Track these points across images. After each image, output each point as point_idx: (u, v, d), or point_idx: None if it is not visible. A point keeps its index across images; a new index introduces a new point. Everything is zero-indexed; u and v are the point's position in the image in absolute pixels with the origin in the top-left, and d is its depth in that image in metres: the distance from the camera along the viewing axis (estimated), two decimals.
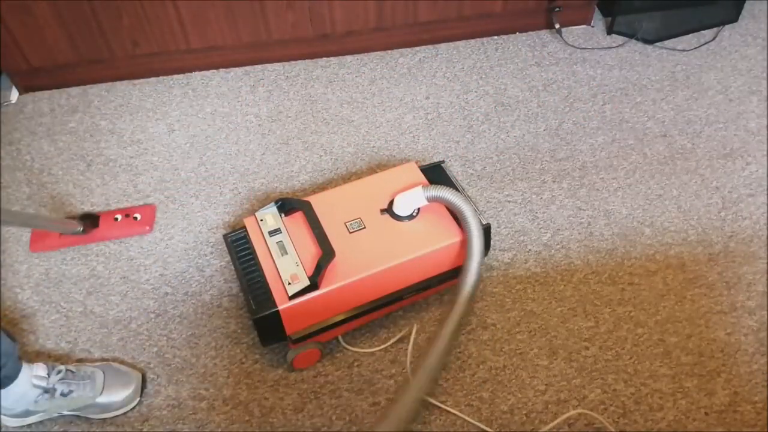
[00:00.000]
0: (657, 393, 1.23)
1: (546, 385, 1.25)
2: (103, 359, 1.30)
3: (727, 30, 2.00)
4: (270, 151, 1.69)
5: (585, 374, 1.26)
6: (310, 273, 1.18)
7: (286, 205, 1.30)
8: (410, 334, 1.31)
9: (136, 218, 1.51)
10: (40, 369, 1.15)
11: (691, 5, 1.99)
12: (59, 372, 1.16)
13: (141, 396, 1.25)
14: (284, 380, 1.27)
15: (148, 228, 1.51)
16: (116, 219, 1.50)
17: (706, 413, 1.21)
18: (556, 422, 1.19)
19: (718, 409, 1.21)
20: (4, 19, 1.67)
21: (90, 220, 1.49)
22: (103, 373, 1.22)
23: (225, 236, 1.30)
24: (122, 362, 1.29)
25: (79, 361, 1.29)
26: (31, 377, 1.13)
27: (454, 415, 1.21)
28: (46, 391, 1.14)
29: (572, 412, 1.21)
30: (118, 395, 1.21)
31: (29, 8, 1.66)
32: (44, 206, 1.58)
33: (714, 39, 1.97)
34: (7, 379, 1.10)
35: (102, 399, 1.20)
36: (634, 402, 1.22)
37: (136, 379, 1.24)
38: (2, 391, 1.10)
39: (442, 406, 1.22)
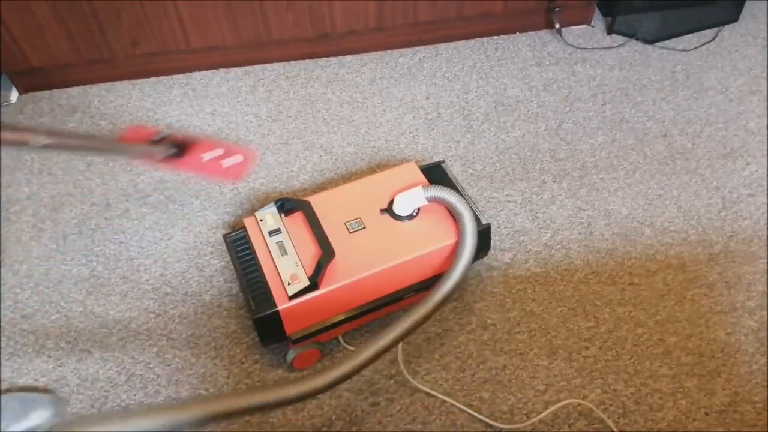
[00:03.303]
0: (657, 393, 1.23)
1: (546, 385, 1.25)
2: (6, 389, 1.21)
3: (727, 30, 2.00)
4: (270, 151, 1.69)
5: (585, 374, 1.26)
6: (310, 273, 1.18)
7: (286, 205, 1.30)
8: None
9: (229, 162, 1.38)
10: None
11: (691, 5, 1.99)
12: None
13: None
14: (284, 380, 1.27)
15: (236, 178, 1.38)
16: (203, 158, 1.36)
17: (706, 413, 1.21)
18: (548, 411, 1.20)
19: (718, 409, 1.21)
20: (4, 19, 1.67)
21: (180, 147, 1.37)
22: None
23: (225, 236, 1.30)
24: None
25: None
26: None
27: (454, 412, 1.21)
28: None
29: (564, 402, 1.21)
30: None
31: (29, 8, 1.66)
32: (44, 206, 1.58)
33: (714, 39, 1.96)
34: None
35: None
36: (634, 402, 1.22)
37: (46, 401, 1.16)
38: None
39: (448, 399, 1.22)
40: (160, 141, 1.36)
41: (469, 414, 1.21)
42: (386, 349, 1.12)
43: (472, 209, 1.25)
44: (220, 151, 1.39)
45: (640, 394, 1.23)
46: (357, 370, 1.08)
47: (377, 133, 1.73)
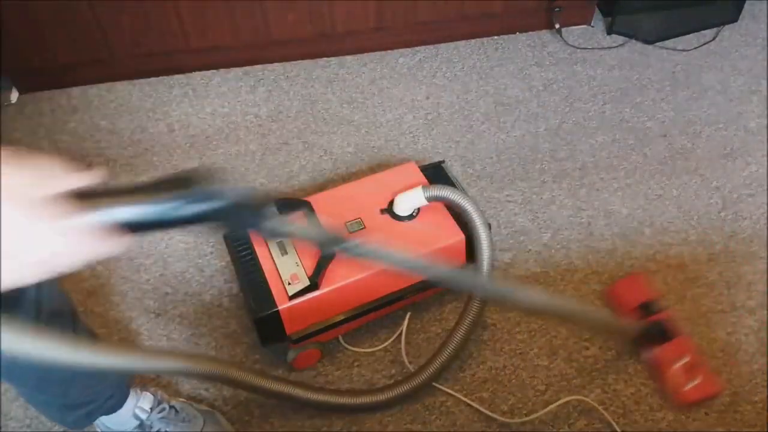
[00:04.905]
0: (657, 393, 1.23)
1: (546, 385, 1.25)
2: (210, 406, 1.23)
3: (727, 30, 2.00)
4: (270, 151, 1.69)
5: (585, 374, 1.26)
6: (310, 273, 1.18)
7: (286, 205, 1.30)
8: (404, 324, 1.31)
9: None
10: (145, 401, 1.11)
11: (691, 5, 1.99)
12: (162, 410, 1.12)
13: None
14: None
15: (689, 402, 1.21)
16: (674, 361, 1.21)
17: (706, 413, 1.21)
18: (550, 408, 1.20)
19: (718, 409, 1.21)
20: (4, 19, 1.67)
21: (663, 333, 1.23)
22: (204, 421, 1.16)
23: (225, 236, 1.30)
24: (227, 416, 1.22)
25: (190, 398, 1.24)
26: (134, 407, 1.09)
27: (455, 412, 1.21)
28: (141, 425, 1.10)
29: (567, 398, 1.21)
30: None
31: (29, 8, 1.66)
32: None
33: (714, 39, 1.96)
34: (111, 409, 1.07)
35: None
36: (634, 402, 1.22)
37: None
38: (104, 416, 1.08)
39: (448, 399, 1.22)
40: (651, 317, 1.27)
41: (469, 414, 1.21)
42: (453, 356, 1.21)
43: (474, 202, 1.25)
44: (688, 359, 1.23)
45: (640, 394, 1.23)
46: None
47: (377, 133, 1.72)
